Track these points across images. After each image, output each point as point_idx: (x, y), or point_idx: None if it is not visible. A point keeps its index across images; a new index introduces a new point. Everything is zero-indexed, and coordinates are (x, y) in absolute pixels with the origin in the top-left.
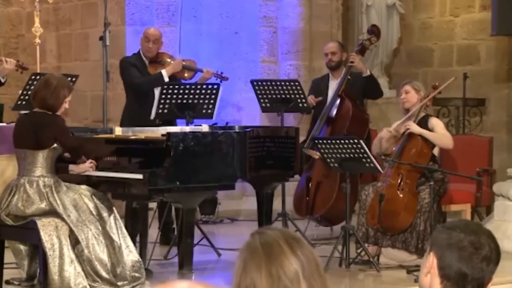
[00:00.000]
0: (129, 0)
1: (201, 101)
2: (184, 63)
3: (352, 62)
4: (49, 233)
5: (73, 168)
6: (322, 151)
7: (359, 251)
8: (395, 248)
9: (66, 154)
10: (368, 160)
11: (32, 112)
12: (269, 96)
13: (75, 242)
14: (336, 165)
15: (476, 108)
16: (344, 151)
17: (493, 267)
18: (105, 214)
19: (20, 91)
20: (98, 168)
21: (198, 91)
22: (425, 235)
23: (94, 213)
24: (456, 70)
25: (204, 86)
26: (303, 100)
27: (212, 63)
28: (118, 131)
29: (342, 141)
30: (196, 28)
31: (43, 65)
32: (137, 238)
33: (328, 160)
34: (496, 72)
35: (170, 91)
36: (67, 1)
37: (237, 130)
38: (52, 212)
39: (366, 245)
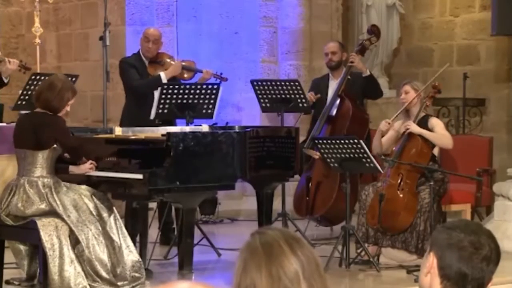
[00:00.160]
0: (129, 0)
1: (201, 101)
2: (183, 63)
3: (352, 62)
4: (49, 233)
5: (73, 169)
6: (322, 151)
7: (359, 251)
8: (395, 248)
9: (66, 155)
10: (368, 160)
11: (33, 112)
12: (269, 96)
13: (75, 242)
14: (336, 165)
15: (476, 108)
16: (344, 151)
17: (493, 267)
18: (105, 214)
19: (20, 91)
20: (98, 168)
21: (198, 91)
22: (425, 235)
23: (94, 213)
24: (456, 70)
25: (204, 86)
26: (303, 100)
27: (212, 63)
28: (118, 131)
29: (342, 141)
30: (196, 28)
31: (43, 65)
32: (137, 238)
33: (328, 160)
34: (496, 72)
35: (170, 91)
36: (67, 1)
37: (237, 130)
38: (52, 213)
39: (366, 245)
